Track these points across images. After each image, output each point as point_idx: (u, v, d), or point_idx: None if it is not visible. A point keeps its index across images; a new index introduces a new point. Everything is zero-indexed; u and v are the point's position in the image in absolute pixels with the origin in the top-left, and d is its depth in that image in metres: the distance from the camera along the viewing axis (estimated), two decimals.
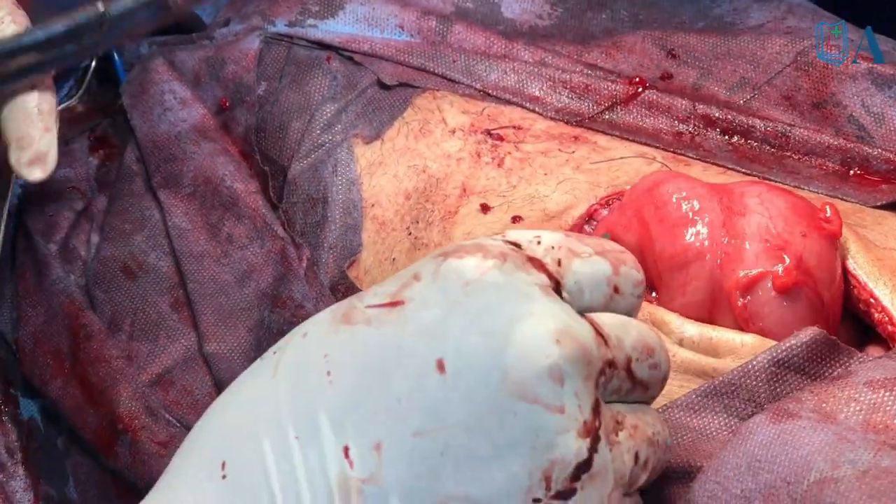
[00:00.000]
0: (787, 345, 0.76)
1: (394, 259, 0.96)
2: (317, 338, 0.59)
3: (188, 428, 0.86)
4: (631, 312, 0.65)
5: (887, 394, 0.71)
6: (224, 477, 0.58)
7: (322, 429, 0.56)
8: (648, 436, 0.64)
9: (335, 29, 1.11)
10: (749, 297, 0.80)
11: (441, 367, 0.56)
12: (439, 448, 0.55)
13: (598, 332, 0.61)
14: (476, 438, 0.55)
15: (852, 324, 0.86)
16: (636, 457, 0.62)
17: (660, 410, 0.75)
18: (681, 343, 0.81)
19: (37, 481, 0.97)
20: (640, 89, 1.04)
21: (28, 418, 0.99)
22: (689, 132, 1.02)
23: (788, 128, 1.00)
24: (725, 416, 0.75)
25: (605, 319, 0.62)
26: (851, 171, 0.98)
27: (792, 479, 0.68)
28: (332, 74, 1.07)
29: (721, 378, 0.76)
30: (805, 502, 0.67)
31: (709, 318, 0.82)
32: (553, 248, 0.62)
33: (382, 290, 0.60)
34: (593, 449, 0.57)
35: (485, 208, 0.95)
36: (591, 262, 0.63)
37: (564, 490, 0.56)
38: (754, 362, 0.76)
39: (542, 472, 0.56)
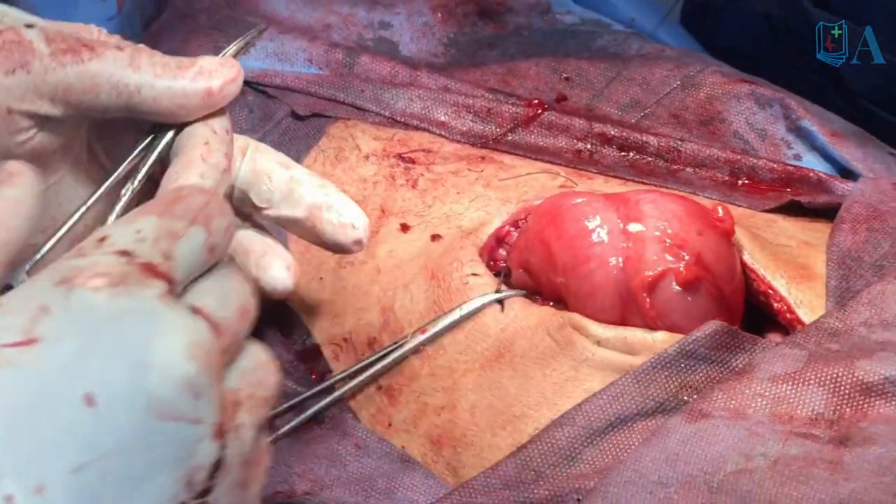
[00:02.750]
0: (693, 337, 0.82)
1: (321, 278, 0.99)
2: None
3: None
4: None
5: (788, 387, 0.77)
6: None
7: None
8: (258, 406, 0.65)
9: (247, 65, 1.14)
10: (655, 295, 0.84)
11: (90, 401, 0.55)
12: (99, 477, 0.54)
13: (213, 325, 0.62)
14: (130, 461, 0.55)
15: (753, 314, 0.91)
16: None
17: (579, 405, 0.81)
18: (599, 343, 0.84)
19: None
20: (540, 111, 1.10)
21: None
22: (588, 149, 1.08)
23: (679, 142, 1.06)
24: (642, 403, 0.80)
25: (209, 301, 0.63)
26: (740, 181, 1.04)
27: (709, 469, 0.74)
28: (249, 107, 1.11)
29: (636, 370, 0.81)
30: (722, 490, 0.72)
31: (621, 321, 0.85)
32: (157, 239, 0.62)
33: (13, 324, 0.57)
34: (224, 446, 0.59)
35: (404, 227, 0.99)
36: (189, 239, 0.63)
37: (204, 489, 0.58)
38: (664, 355, 0.81)
39: (186, 478, 0.57)
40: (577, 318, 0.85)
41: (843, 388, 0.76)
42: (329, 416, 0.90)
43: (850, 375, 0.76)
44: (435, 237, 0.97)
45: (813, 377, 0.77)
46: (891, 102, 1.15)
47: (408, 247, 0.97)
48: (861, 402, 0.75)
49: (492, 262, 0.94)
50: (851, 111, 1.13)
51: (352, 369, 0.91)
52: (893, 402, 0.75)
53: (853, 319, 0.82)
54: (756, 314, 0.92)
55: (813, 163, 1.06)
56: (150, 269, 0.60)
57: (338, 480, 0.85)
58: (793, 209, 1.01)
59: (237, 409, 0.62)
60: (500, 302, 0.90)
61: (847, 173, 1.05)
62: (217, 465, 0.59)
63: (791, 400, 0.77)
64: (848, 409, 0.75)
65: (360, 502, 0.83)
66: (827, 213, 0.99)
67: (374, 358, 0.91)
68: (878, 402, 0.75)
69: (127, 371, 0.56)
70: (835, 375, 0.77)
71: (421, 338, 0.90)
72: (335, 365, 0.95)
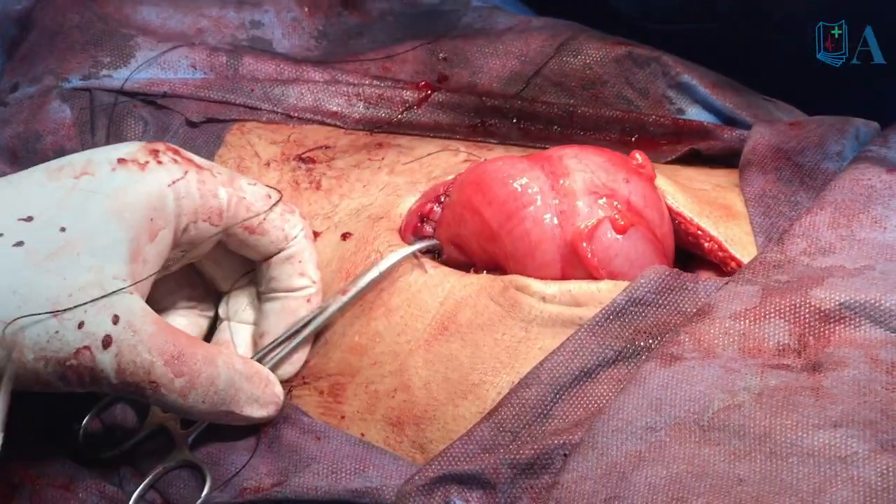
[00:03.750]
0: (639, 283, 0.84)
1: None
2: None
3: (87, 465, 0.88)
4: None
5: (750, 323, 0.80)
6: None
7: None
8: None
9: (131, 76, 1.12)
10: (593, 245, 0.85)
11: None
12: None
13: None
14: None
15: (681, 257, 0.94)
16: None
17: (541, 363, 0.82)
18: (544, 300, 0.85)
19: None
20: (429, 92, 1.11)
21: None
22: (482, 123, 1.10)
23: (571, 108, 1.09)
24: (601, 353, 0.82)
25: None
26: (633, 139, 1.08)
27: (696, 409, 0.76)
28: (143, 120, 1.09)
29: (589, 322, 0.83)
30: (714, 428, 0.75)
31: (562, 276, 0.87)
32: None
33: None
34: None
35: (315, 235, 0.97)
36: None
37: None
38: (614, 304, 0.83)
39: None
40: (518, 279, 0.87)
41: (802, 317, 0.79)
42: (282, 417, 0.89)
43: (807, 305, 0.80)
44: (345, 235, 0.97)
45: (772, 310, 0.80)
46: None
47: (319, 255, 0.95)
48: (822, 329, 0.79)
49: (421, 240, 0.95)
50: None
51: (282, 336, 0.91)
52: (852, 326, 0.78)
53: (792, 251, 0.86)
54: (684, 256, 0.94)
55: (696, 115, 1.10)
56: None
57: (306, 468, 0.84)
58: (690, 160, 1.05)
59: None
60: (416, 256, 0.91)
61: (730, 122, 1.09)
62: None
63: (756, 334, 0.80)
64: (811, 338, 0.79)
65: (331, 484, 0.83)
66: (723, 159, 1.03)
67: (300, 325, 0.91)
68: (838, 328, 0.78)
69: None
70: (792, 305, 0.80)
71: (343, 298, 0.90)
72: None
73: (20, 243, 0.75)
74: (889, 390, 0.74)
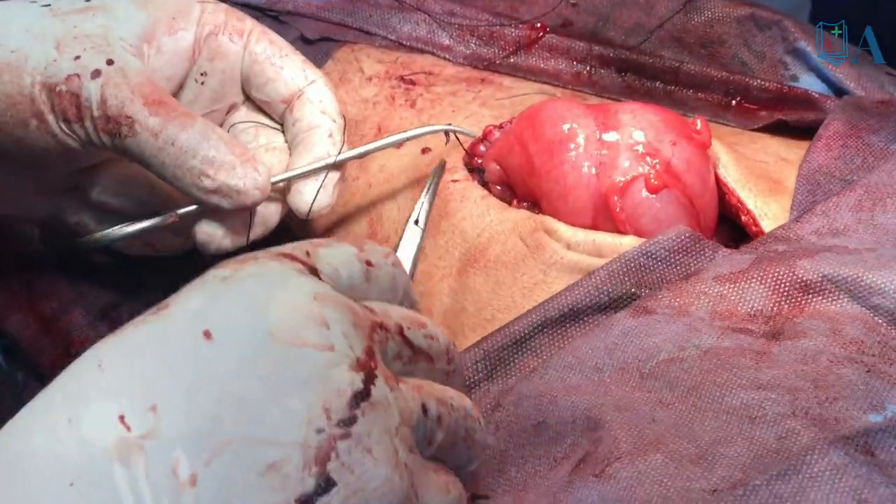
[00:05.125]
0: (656, 239, 0.84)
1: None
2: (92, 347, 0.59)
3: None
4: (395, 287, 0.69)
5: (731, 286, 0.80)
6: None
7: (94, 408, 0.55)
8: (438, 396, 0.66)
9: None
10: (624, 200, 0.86)
11: (208, 335, 0.57)
12: (215, 397, 0.55)
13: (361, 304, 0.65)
14: (250, 384, 0.56)
15: (730, 228, 0.94)
16: (425, 409, 0.64)
17: (543, 301, 0.84)
18: (568, 247, 0.87)
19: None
20: (542, 34, 1.12)
21: None
22: (587, 71, 1.11)
23: (678, 63, 1.08)
24: (596, 297, 0.83)
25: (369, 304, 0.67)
26: (734, 102, 1.06)
27: (643, 357, 0.77)
28: None
29: (597, 268, 0.84)
30: (652, 376, 0.76)
31: (592, 225, 0.88)
32: (296, 246, 0.65)
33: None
34: (369, 381, 0.59)
35: (398, 146, 1.01)
36: (335, 246, 0.66)
37: (346, 418, 0.57)
38: (625, 255, 0.84)
39: (321, 403, 0.56)
40: (549, 221, 0.88)
41: (782, 285, 0.79)
42: None
43: (790, 274, 0.79)
44: (425, 150, 1.00)
45: (756, 276, 0.80)
46: None
47: (398, 161, 1.00)
48: (799, 299, 0.78)
49: (472, 158, 0.97)
50: None
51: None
52: (829, 299, 0.77)
53: (804, 229, 0.85)
54: (734, 230, 0.94)
55: (809, 83, 1.08)
56: (287, 255, 0.63)
57: None
58: (783, 128, 1.03)
59: (399, 379, 0.63)
60: (446, 134, 0.95)
61: (842, 93, 1.06)
62: (360, 397, 0.58)
63: (732, 298, 0.80)
64: (786, 306, 0.78)
65: None
66: (815, 131, 1.00)
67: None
68: (815, 299, 0.78)
69: (246, 312, 0.59)
70: (776, 274, 0.79)
71: (368, 146, 0.92)
72: None
73: (48, 4, 0.84)
74: (832, 363, 0.73)
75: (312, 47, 1.14)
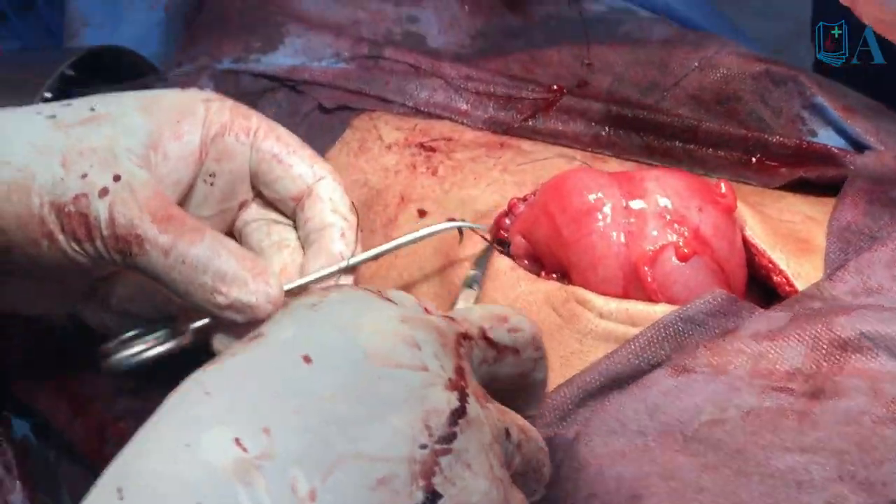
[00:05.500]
0: (693, 303, 0.84)
1: None
2: (188, 379, 0.63)
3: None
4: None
5: (769, 343, 0.80)
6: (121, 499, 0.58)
7: (209, 432, 0.58)
8: (519, 423, 0.70)
9: (277, 61, 1.19)
10: (655, 269, 0.86)
11: (307, 359, 0.61)
12: (322, 418, 0.59)
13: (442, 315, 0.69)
14: (353, 405, 0.60)
15: (758, 289, 0.93)
16: (507, 433, 0.68)
17: (582, 371, 0.84)
18: (601, 316, 0.87)
19: (34, 493, 1.02)
20: (559, 96, 1.12)
21: (21, 437, 1.05)
22: (605, 133, 1.11)
23: (696, 122, 1.08)
24: (637, 366, 0.83)
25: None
26: (753, 159, 1.06)
27: (685, 419, 0.77)
28: (278, 103, 1.15)
29: (634, 337, 0.84)
30: (695, 439, 0.75)
31: (623, 295, 0.88)
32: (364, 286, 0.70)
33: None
34: (463, 400, 0.63)
35: (421, 213, 1.02)
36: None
37: (446, 434, 0.61)
38: (662, 320, 0.84)
39: (422, 421, 0.60)
40: (580, 292, 0.88)
41: (821, 343, 0.78)
42: None
43: (827, 331, 0.79)
44: (450, 219, 0.99)
45: (794, 334, 0.80)
46: None
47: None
48: (838, 357, 0.78)
49: (499, 231, 0.97)
50: None
51: (318, 271, 0.89)
52: (868, 356, 0.77)
53: (839, 288, 0.85)
54: (763, 291, 0.93)
55: (828, 138, 1.07)
56: (361, 288, 0.68)
57: None
58: (804, 185, 1.03)
59: (487, 399, 0.67)
60: (460, 231, 0.94)
61: (861, 147, 1.06)
62: (458, 414, 0.62)
63: (771, 355, 0.79)
64: (825, 364, 0.78)
65: None
66: (838, 188, 1.00)
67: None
68: (854, 357, 0.77)
69: (340, 335, 0.64)
70: (814, 332, 0.79)
71: (380, 248, 0.91)
72: None
73: (53, 116, 0.83)
74: (876, 423, 0.73)
75: (330, 116, 1.15)
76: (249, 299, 0.81)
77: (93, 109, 0.84)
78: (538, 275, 0.93)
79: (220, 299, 0.81)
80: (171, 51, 1.35)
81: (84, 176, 0.79)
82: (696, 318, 0.84)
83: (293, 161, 0.91)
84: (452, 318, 0.69)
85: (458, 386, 0.64)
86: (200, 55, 1.20)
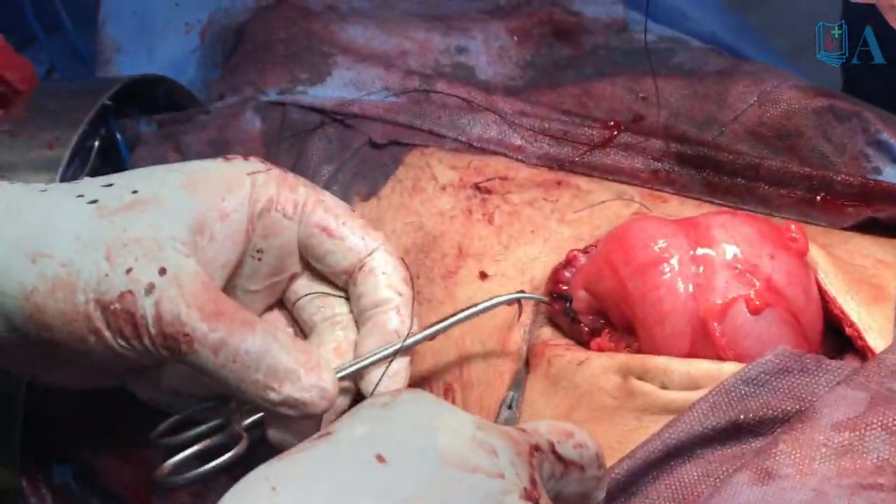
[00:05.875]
0: (755, 364, 0.81)
1: None
2: (254, 473, 0.62)
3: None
4: None
5: (852, 434, 0.76)
6: None
7: None
8: None
9: (325, 94, 1.16)
10: (725, 323, 0.83)
11: (381, 458, 0.60)
12: None
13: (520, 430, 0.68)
14: None
15: (836, 335, 0.90)
16: None
17: (644, 442, 0.81)
18: (663, 386, 0.84)
19: None
20: (616, 132, 1.10)
21: (61, 483, 1.03)
22: (665, 170, 1.08)
23: (757, 160, 1.05)
24: (700, 432, 0.80)
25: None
26: (818, 197, 1.03)
27: None
28: (328, 138, 1.12)
29: (696, 401, 0.81)
30: None
31: (690, 350, 0.85)
32: None
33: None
34: None
35: (483, 275, 0.99)
36: None
37: None
38: (724, 384, 0.80)
39: None
40: (640, 361, 0.86)
41: None
42: None
43: None
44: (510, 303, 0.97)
45: (875, 421, 0.76)
46: None
47: (485, 293, 0.96)
48: None
49: (556, 285, 0.95)
50: None
51: (375, 351, 0.88)
52: None
53: None
54: (835, 334, 0.90)
55: (893, 175, 1.04)
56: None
57: None
58: (873, 225, 1.00)
59: None
60: (519, 302, 0.92)
61: None
62: None
63: (856, 448, 0.75)
64: None
65: None
66: None
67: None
68: None
69: (415, 436, 0.63)
70: None
71: (434, 328, 0.89)
72: None
73: (94, 201, 0.81)
74: None
75: (381, 151, 1.12)
76: (303, 396, 0.80)
77: (135, 192, 0.82)
78: (601, 332, 0.91)
79: (273, 396, 0.79)
80: (208, 77, 1.34)
81: (129, 271, 0.77)
82: (760, 378, 0.80)
83: (343, 233, 0.89)
84: (524, 430, 0.68)
85: (532, 497, 0.63)
86: (244, 86, 1.18)
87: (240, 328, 0.78)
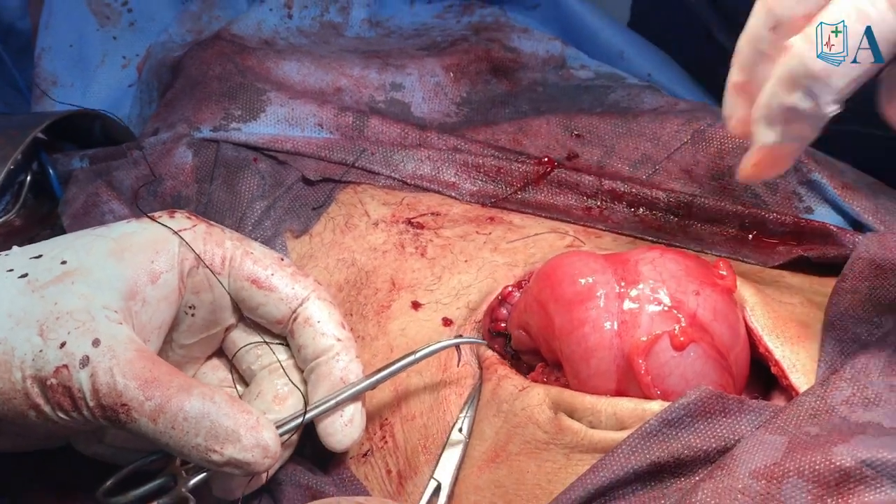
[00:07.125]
0: (675, 405, 0.79)
1: None
2: None
3: None
4: None
5: (767, 483, 0.74)
6: None
7: None
8: None
9: (258, 130, 1.16)
10: (650, 360, 0.82)
11: None
12: None
13: None
14: None
15: (766, 373, 0.89)
16: None
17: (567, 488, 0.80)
18: (591, 425, 0.83)
19: None
20: (550, 169, 1.09)
21: None
22: (598, 206, 1.08)
23: (690, 198, 1.05)
24: (621, 474, 0.78)
25: None
26: (750, 235, 1.03)
27: None
28: (261, 174, 1.11)
29: (619, 444, 0.79)
30: None
31: (617, 387, 0.84)
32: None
33: None
34: None
35: (416, 305, 0.99)
36: None
37: None
38: (646, 427, 0.79)
39: None
40: (566, 398, 0.84)
41: (822, 476, 0.73)
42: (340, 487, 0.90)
43: (827, 462, 0.73)
44: (446, 322, 0.97)
45: (793, 468, 0.74)
46: None
47: (420, 327, 0.97)
48: (842, 490, 0.72)
49: (493, 323, 0.94)
50: None
51: (325, 400, 0.88)
52: (872, 487, 0.72)
53: (834, 398, 0.79)
54: (770, 374, 0.89)
55: (825, 215, 1.05)
56: None
57: None
58: (803, 264, 1.00)
59: None
60: (458, 348, 0.91)
61: (859, 226, 1.04)
62: None
63: (774, 496, 0.74)
64: (829, 499, 0.73)
65: None
66: (838, 267, 0.97)
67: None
68: (858, 489, 0.72)
69: None
70: (813, 464, 0.74)
71: (377, 376, 0.89)
72: None
73: (25, 275, 0.81)
74: None
75: (314, 188, 1.11)
76: (245, 456, 0.79)
77: (64, 262, 0.82)
78: (533, 367, 0.91)
79: (216, 458, 0.79)
80: (144, 112, 1.33)
81: (63, 345, 0.77)
82: (682, 421, 0.79)
83: (273, 284, 0.89)
84: None
85: None
86: (178, 122, 1.17)
87: (177, 394, 0.78)
